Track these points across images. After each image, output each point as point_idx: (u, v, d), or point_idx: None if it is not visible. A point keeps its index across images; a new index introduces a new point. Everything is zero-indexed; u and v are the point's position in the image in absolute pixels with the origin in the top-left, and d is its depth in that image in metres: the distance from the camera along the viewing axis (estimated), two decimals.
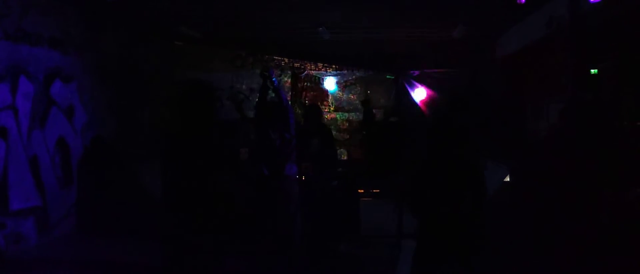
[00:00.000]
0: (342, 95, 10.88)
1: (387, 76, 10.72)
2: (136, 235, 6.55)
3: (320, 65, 10.74)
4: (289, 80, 10.72)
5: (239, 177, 7.63)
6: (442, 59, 9.97)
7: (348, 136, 10.73)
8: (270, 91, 5.42)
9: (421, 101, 10.28)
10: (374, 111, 10.27)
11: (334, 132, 8.55)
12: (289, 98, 10.43)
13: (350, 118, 10.80)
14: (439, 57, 9.94)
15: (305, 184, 5.81)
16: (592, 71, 5.96)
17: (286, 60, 10.63)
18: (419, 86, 10.32)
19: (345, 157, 10.36)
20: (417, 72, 10.38)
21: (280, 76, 10.56)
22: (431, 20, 8.09)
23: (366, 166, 9.33)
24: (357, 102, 10.82)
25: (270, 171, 5.12)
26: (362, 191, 8.48)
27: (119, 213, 7.19)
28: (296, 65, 10.69)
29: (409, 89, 10.39)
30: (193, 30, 9.11)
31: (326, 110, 10.67)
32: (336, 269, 5.89)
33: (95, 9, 7.59)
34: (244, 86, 10.73)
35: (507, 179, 7.13)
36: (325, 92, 10.82)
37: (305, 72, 10.69)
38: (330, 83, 10.80)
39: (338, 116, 10.82)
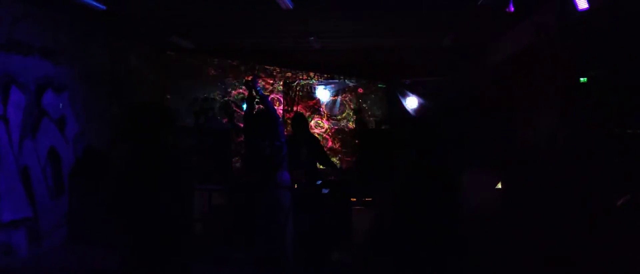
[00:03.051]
0: (334, 104, 10.90)
1: (379, 85, 10.75)
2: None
3: (312, 74, 10.77)
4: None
5: (231, 186, 7.67)
6: (433, 68, 10.02)
7: (338, 145, 10.73)
8: (256, 100, 5.45)
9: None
10: (365, 119, 10.29)
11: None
12: (281, 107, 10.46)
13: (342, 127, 10.81)
14: (429, 66, 9.99)
15: (297, 192, 5.81)
16: (582, 79, 6.01)
17: (278, 69, 10.66)
18: (411, 94, 10.37)
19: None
20: (408, 81, 10.42)
21: (272, 84, 10.59)
22: (421, 29, 8.15)
23: (358, 174, 9.34)
24: (348, 110, 10.84)
25: (261, 179, 5.13)
26: (355, 199, 8.47)
27: (111, 224, 7.14)
28: (288, 74, 10.71)
29: (401, 98, 10.43)
30: (184, 40, 9.13)
31: (318, 118, 10.67)
32: None
33: (86, 19, 7.59)
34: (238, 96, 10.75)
35: (499, 186, 7.17)
36: (317, 101, 10.82)
37: (297, 82, 10.71)
38: (322, 92, 10.82)
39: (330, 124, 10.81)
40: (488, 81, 9.12)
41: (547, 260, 5.51)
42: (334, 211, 6.47)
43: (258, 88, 5.40)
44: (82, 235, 7.35)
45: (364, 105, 10.73)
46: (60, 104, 7.31)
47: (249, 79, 5.56)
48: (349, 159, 10.56)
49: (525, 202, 6.65)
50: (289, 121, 9.55)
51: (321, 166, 7.14)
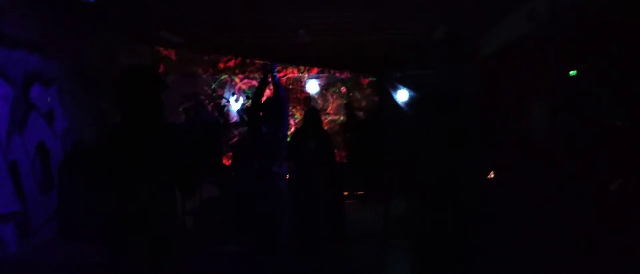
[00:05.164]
0: (324, 97, 10.88)
1: (369, 78, 10.76)
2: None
3: (302, 68, 10.74)
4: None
5: (223, 179, 7.62)
6: (424, 61, 10.03)
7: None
8: (268, 85, 5.34)
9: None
10: (356, 113, 10.28)
11: None
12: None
13: (332, 121, 10.80)
14: (420, 59, 10.00)
15: (289, 183, 5.76)
16: (571, 72, 6.02)
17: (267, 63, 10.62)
18: (401, 87, 10.38)
19: None
20: (399, 74, 10.43)
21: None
22: (412, 21, 8.14)
23: (350, 167, 9.33)
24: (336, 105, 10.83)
25: (259, 166, 5.05)
26: (347, 193, 8.46)
27: (101, 219, 7.06)
28: (278, 68, 10.66)
29: (391, 91, 10.44)
30: (174, 35, 9.06)
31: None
32: (322, 269, 5.85)
33: (74, 13, 7.51)
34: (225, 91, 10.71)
35: (491, 176, 7.19)
36: (306, 95, 10.81)
37: (286, 76, 10.68)
38: (311, 86, 10.81)
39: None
40: (479, 73, 9.13)
41: (541, 249, 5.52)
42: (327, 201, 6.43)
43: (275, 73, 5.26)
44: (72, 231, 7.27)
45: (353, 98, 10.74)
46: (49, 98, 7.22)
47: (267, 63, 5.34)
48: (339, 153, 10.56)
49: (517, 193, 6.67)
50: None
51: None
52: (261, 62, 10.08)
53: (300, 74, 10.77)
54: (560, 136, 5.93)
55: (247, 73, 10.74)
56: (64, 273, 5.92)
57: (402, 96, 10.38)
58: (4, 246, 6.24)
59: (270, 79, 5.27)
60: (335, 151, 6.90)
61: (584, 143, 5.41)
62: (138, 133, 2.87)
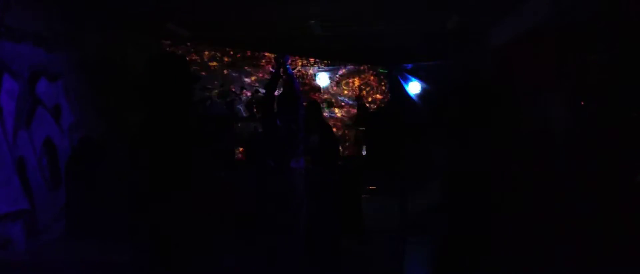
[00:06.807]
0: (335, 90, 10.75)
1: (380, 70, 10.62)
2: (128, 237, 6.31)
3: (312, 60, 10.61)
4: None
5: (234, 173, 7.48)
6: (435, 52, 9.87)
7: (340, 132, 10.59)
8: (282, 79, 5.21)
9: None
10: (367, 105, 10.18)
11: None
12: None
13: (343, 114, 10.68)
14: (432, 49, 9.84)
15: (306, 178, 5.63)
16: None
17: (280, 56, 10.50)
18: (413, 79, 10.24)
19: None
20: (410, 65, 10.29)
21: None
22: (426, 10, 7.97)
23: (363, 161, 9.21)
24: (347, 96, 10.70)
25: (275, 162, 4.91)
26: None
27: (110, 215, 6.95)
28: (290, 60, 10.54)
29: (403, 83, 10.30)
30: (181, 28, 8.92)
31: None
32: (340, 265, 5.73)
33: (80, 6, 7.36)
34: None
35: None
36: (317, 88, 10.69)
37: (297, 68, 10.55)
38: (322, 78, 10.68)
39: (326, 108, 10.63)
40: (491, 63, 8.98)
41: (559, 242, 5.40)
42: (343, 197, 6.31)
43: (288, 66, 5.13)
44: (80, 228, 7.14)
45: (364, 91, 10.61)
46: (55, 93, 7.09)
47: (280, 56, 5.20)
48: (351, 147, 10.45)
49: (541, 186, 6.52)
50: None
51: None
52: (273, 55, 9.97)
53: (310, 67, 10.63)
54: (587, 126, 5.77)
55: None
56: (73, 270, 5.79)
57: (413, 87, 10.23)
58: (12, 244, 6.11)
59: (283, 73, 5.14)
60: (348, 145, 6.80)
61: (609, 134, 5.26)
62: (172, 126, 2.77)
